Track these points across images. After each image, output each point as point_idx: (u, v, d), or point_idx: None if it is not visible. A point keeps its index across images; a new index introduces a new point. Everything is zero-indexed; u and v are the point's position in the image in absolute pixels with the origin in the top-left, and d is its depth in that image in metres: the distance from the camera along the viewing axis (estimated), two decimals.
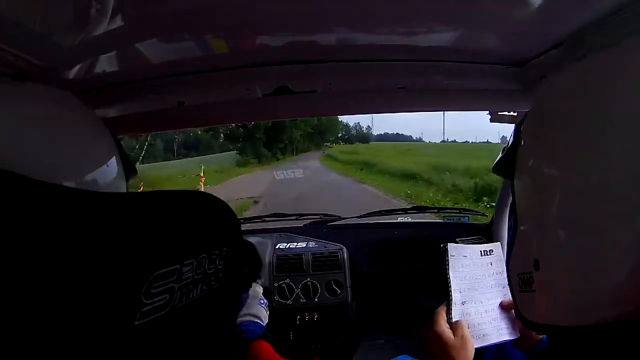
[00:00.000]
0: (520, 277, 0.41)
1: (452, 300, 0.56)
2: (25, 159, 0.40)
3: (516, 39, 0.72)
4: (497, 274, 0.60)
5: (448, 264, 0.58)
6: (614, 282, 0.31)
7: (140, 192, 0.42)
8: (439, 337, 0.54)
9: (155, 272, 0.29)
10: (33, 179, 0.24)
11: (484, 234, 1.29)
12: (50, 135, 0.45)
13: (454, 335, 0.53)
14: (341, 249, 1.22)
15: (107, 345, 0.26)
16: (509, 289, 0.46)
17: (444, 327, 0.55)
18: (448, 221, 1.43)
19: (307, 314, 1.15)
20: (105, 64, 0.72)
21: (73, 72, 0.71)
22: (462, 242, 1.21)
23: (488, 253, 0.61)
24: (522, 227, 0.41)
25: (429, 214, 1.62)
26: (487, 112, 0.96)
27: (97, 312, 0.26)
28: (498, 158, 0.48)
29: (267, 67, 0.79)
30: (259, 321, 0.79)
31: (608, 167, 0.32)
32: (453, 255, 0.59)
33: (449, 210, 1.48)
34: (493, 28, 0.69)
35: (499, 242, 0.63)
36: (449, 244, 0.60)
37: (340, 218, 1.42)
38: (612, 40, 0.61)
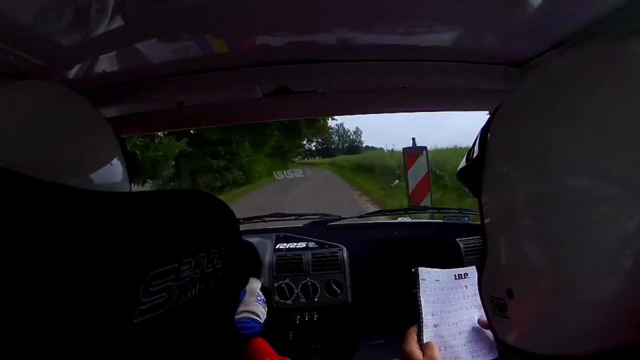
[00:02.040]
0: (493, 301, 0.39)
1: (422, 322, 0.57)
2: (26, 156, 0.41)
3: (516, 39, 0.72)
4: (472, 296, 0.59)
5: (419, 288, 0.59)
6: (594, 316, 0.30)
7: (139, 192, 0.42)
8: (408, 357, 0.55)
9: (153, 271, 0.29)
10: (30, 176, 0.25)
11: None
12: (52, 133, 0.44)
13: (423, 356, 0.54)
14: (341, 249, 1.22)
15: (105, 343, 0.26)
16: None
17: (413, 348, 0.56)
18: (448, 221, 1.43)
19: (307, 314, 1.15)
20: (106, 63, 0.72)
21: (73, 72, 0.71)
22: (465, 247, 1.21)
23: (463, 276, 0.61)
24: (492, 243, 0.38)
25: (428, 214, 1.62)
26: (487, 112, 0.96)
27: (95, 310, 0.26)
28: (462, 164, 0.45)
29: (267, 67, 0.79)
30: (256, 318, 0.79)
31: (595, 191, 0.29)
32: (424, 279, 0.60)
33: (449, 210, 1.48)
34: (493, 28, 0.70)
35: (474, 266, 0.61)
36: (420, 268, 0.60)
37: (340, 218, 1.42)
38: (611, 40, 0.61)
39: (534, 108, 0.34)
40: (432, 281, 0.60)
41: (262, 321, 0.81)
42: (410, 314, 1.23)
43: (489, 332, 0.57)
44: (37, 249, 0.24)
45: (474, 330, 0.58)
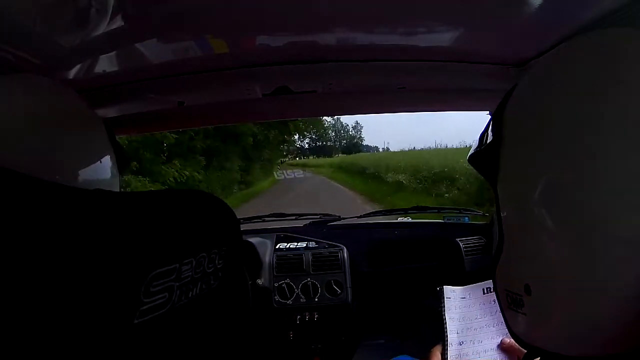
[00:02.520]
0: (508, 295, 0.37)
1: (447, 341, 0.56)
2: (16, 153, 0.40)
3: (516, 39, 0.72)
4: (499, 312, 0.59)
5: (444, 306, 0.58)
6: (619, 315, 0.29)
7: (140, 191, 0.41)
8: None
9: (154, 271, 0.29)
10: (30, 176, 0.25)
11: (484, 233, 1.28)
12: (41, 128, 0.44)
13: None
14: (341, 249, 1.22)
15: (106, 343, 0.26)
16: None
17: None
18: (448, 221, 1.43)
19: (307, 314, 1.15)
20: (106, 64, 0.72)
21: (73, 72, 0.71)
22: (465, 247, 1.20)
23: (492, 290, 0.59)
24: (511, 244, 0.37)
25: (429, 214, 1.62)
26: (487, 112, 0.96)
27: (96, 310, 0.26)
28: (474, 149, 0.42)
29: (267, 67, 0.79)
30: None
31: (621, 185, 0.27)
32: (449, 298, 0.59)
33: (449, 210, 1.48)
34: (493, 28, 0.69)
35: None
36: (444, 287, 0.60)
37: (340, 218, 1.42)
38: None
39: (561, 90, 0.32)
40: (457, 299, 0.59)
41: None
42: (410, 314, 1.23)
43: (511, 354, 0.56)
44: (37, 249, 0.23)
45: (498, 349, 0.57)
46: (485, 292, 0.60)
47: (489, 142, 0.38)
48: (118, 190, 0.54)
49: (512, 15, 0.63)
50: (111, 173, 0.52)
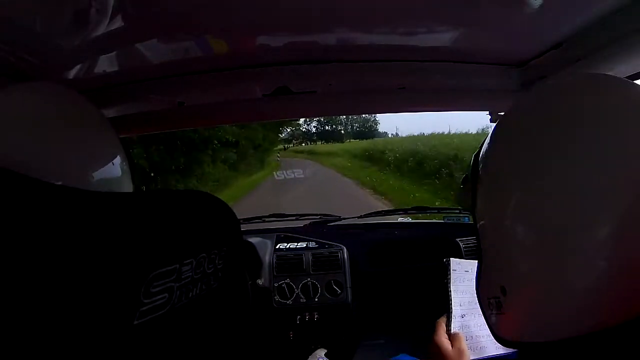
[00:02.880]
0: (489, 301, 0.43)
1: (452, 312, 0.58)
2: (29, 157, 0.40)
3: (516, 40, 0.72)
4: None
5: (449, 278, 0.60)
6: (577, 300, 0.34)
7: (140, 192, 0.41)
8: (437, 347, 0.56)
9: (154, 272, 0.29)
10: (30, 177, 0.24)
11: None
12: (55, 133, 0.44)
13: (451, 346, 0.56)
14: (341, 249, 1.22)
15: (106, 344, 0.26)
16: None
17: (442, 338, 0.57)
18: (448, 221, 1.43)
19: (307, 314, 1.15)
20: (105, 64, 0.72)
21: (73, 72, 0.71)
22: (465, 247, 1.21)
23: None
24: (486, 252, 0.43)
25: (429, 214, 1.62)
26: (487, 112, 0.96)
27: (95, 311, 0.26)
28: (459, 192, 0.51)
29: (267, 67, 0.79)
30: None
31: (573, 186, 0.33)
32: (455, 270, 0.61)
33: (449, 210, 1.48)
34: (493, 28, 0.70)
35: None
36: (451, 259, 0.62)
37: (340, 218, 1.42)
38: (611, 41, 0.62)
39: (523, 127, 0.39)
40: (461, 272, 0.62)
41: None
42: (410, 314, 1.23)
43: None
44: (36, 250, 0.23)
45: None
46: None
47: (470, 172, 0.46)
48: (131, 189, 0.54)
49: (512, 15, 0.63)
50: (123, 172, 0.52)
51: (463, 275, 0.61)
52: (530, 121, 0.39)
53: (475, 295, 0.60)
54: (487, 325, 0.59)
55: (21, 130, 0.42)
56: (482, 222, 0.44)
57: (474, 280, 0.61)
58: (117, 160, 0.52)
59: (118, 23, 0.57)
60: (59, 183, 0.38)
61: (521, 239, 0.37)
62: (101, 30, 0.58)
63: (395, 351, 0.82)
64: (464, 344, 0.56)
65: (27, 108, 0.45)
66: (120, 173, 0.52)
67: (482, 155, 0.44)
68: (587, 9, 0.59)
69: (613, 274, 0.32)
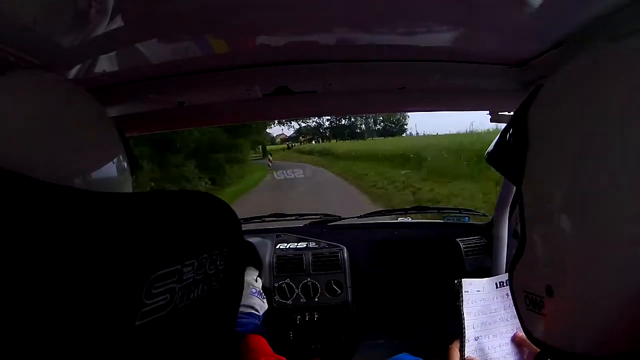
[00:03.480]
0: (527, 296, 0.37)
1: (465, 336, 0.56)
2: (29, 154, 0.39)
3: (516, 39, 0.72)
4: (512, 306, 0.59)
5: (462, 301, 0.58)
6: (632, 316, 0.29)
7: (141, 192, 0.41)
8: None
9: (156, 273, 0.29)
10: (33, 178, 0.24)
11: (484, 234, 1.29)
12: (56, 128, 0.42)
13: None
14: (341, 249, 1.22)
15: (108, 345, 0.26)
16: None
17: None
18: (448, 221, 1.43)
19: (307, 314, 1.15)
20: (105, 64, 0.72)
21: (73, 72, 0.71)
22: (465, 247, 1.20)
23: (504, 284, 0.59)
24: (533, 243, 0.36)
25: (429, 214, 1.62)
26: (487, 112, 0.96)
27: (98, 312, 0.26)
28: (492, 147, 0.42)
29: (267, 67, 0.79)
30: (253, 312, 0.74)
31: None
32: (467, 291, 0.58)
33: (449, 210, 1.48)
34: (493, 28, 0.69)
35: None
36: (463, 280, 0.59)
37: (340, 218, 1.42)
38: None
39: (588, 99, 0.32)
40: (474, 292, 0.59)
41: (260, 314, 0.75)
42: (410, 314, 1.23)
43: (524, 348, 0.57)
44: (38, 251, 0.23)
45: (512, 342, 0.58)
46: (498, 286, 0.60)
47: (513, 144, 0.38)
48: (131, 187, 0.53)
49: (512, 15, 0.63)
50: (124, 170, 0.51)
51: (475, 295, 0.58)
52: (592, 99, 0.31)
53: (488, 316, 0.57)
54: (505, 347, 0.55)
55: (18, 124, 0.41)
56: (532, 200, 0.36)
57: (487, 300, 0.58)
58: (119, 157, 0.51)
59: (118, 23, 0.57)
60: (54, 181, 0.38)
61: (587, 236, 0.30)
62: (101, 30, 0.57)
63: (395, 351, 0.82)
64: None
65: (23, 99, 0.42)
66: (122, 172, 0.51)
67: (539, 112, 0.36)
68: (587, 9, 0.59)
69: None
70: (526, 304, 0.38)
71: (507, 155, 0.39)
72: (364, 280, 1.23)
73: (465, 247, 1.22)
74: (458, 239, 1.24)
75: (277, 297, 1.15)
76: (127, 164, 0.52)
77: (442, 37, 0.73)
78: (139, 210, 0.31)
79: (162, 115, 0.89)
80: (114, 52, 0.69)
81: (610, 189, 0.29)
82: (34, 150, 0.40)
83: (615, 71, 0.32)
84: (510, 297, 0.53)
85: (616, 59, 0.33)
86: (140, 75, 0.79)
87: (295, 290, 1.16)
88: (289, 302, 1.15)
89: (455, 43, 0.73)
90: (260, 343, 0.64)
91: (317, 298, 1.15)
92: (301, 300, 1.15)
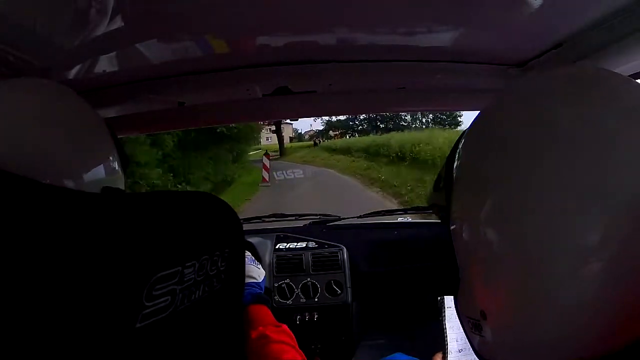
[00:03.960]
0: (469, 320, 0.39)
1: (447, 349, 0.58)
2: (22, 155, 0.40)
3: (516, 40, 0.72)
4: None
5: (444, 316, 0.60)
6: (566, 327, 0.30)
7: (141, 193, 0.41)
8: None
9: (156, 275, 0.29)
10: (34, 180, 0.24)
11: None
12: (47, 130, 0.43)
13: None
14: (341, 249, 1.22)
15: (108, 348, 0.26)
16: None
17: None
18: None
19: (307, 314, 1.15)
20: (105, 64, 0.72)
21: (73, 73, 0.71)
22: None
23: None
24: (464, 273, 0.39)
25: (428, 214, 1.62)
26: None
27: (98, 314, 0.26)
28: (430, 192, 0.46)
29: (267, 67, 0.79)
30: (251, 281, 0.72)
31: (569, 206, 0.29)
32: (449, 307, 0.60)
33: None
34: (493, 29, 0.70)
35: None
36: (445, 296, 0.61)
37: (340, 218, 1.42)
38: (611, 41, 0.62)
39: (501, 131, 0.35)
40: None
41: (259, 281, 0.74)
42: (410, 314, 1.23)
43: None
44: (39, 253, 0.23)
45: None
46: None
47: (444, 180, 0.41)
48: (123, 186, 0.53)
49: (512, 15, 0.63)
50: (116, 173, 0.52)
51: None
52: (515, 120, 0.34)
53: None
54: None
55: (13, 128, 0.41)
56: (456, 230, 0.40)
57: None
58: (110, 159, 0.51)
59: (118, 23, 0.57)
60: (47, 181, 0.38)
61: (502, 256, 0.32)
62: (101, 30, 0.57)
63: (395, 351, 0.82)
64: None
65: (18, 104, 0.44)
66: (114, 172, 0.51)
67: (459, 153, 0.39)
68: (587, 9, 0.59)
69: (607, 298, 0.29)
70: (470, 327, 0.40)
71: (438, 193, 0.43)
72: (364, 280, 1.23)
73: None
74: None
75: (277, 297, 1.15)
76: (119, 165, 0.52)
77: (442, 37, 0.73)
78: (139, 211, 0.31)
79: (162, 116, 0.89)
80: (114, 53, 0.69)
81: (524, 216, 0.31)
82: (33, 153, 0.40)
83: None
84: None
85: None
86: (141, 76, 0.79)
87: (295, 290, 1.16)
88: (289, 302, 1.15)
89: (455, 43, 0.74)
90: (260, 312, 0.63)
91: (317, 298, 1.15)
92: (301, 300, 1.15)
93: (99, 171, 0.48)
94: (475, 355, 0.57)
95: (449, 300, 0.61)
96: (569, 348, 0.31)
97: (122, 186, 0.53)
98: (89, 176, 0.47)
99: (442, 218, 0.43)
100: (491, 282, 0.34)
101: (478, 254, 0.35)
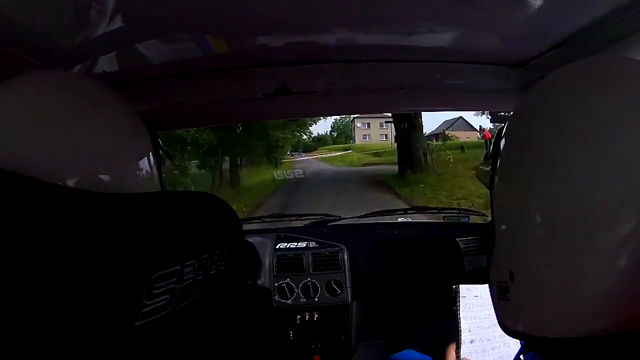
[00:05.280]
0: (498, 285, 0.41)
1: (461, 339, 0.58)
2: (26, 153, 0.38)
3: (516, 40, 0.72)
4: None
5: (459, 306, 0.60)
6: (591, 295, 0.31)
7: (142, 193, 0.40)
8: None
9: (156, 273, 0.29)
10: (32, 178, 0.24)
11: (484, 233, 1.29)
12: (80, 128, 0.39)
13: None
14: (341, 249, 1.22)
15: (107, 346, 0.26)
16: None
17: None
18: (448, 221, 1.43)
19: (307, 314, 1.15)
20: (105, 64, 0.72)
21: (72, 72, 0.71)
22: (465, 247, 1.21)
23: None
24: (499, 234, 0.42)
25: (429, 214, 1.62)
26: (487, 112, 0.96)
27: (97, 313, 0.26)
28: (480, 164, 0.48)
29: (267, 67, 0.79)
30: None
31: (594, 174, 0.31)
32: (464, 297, 0.61)
33: (449, 210, 1.48)
34: (493, 29, 0.70)
35: None
36: (460, 285, 0.61)
37: (340, 218, 1.42)
38: (611, 41, 0.62)
39: (546, 114, 0.37)
40: (471, 297, 0.61)
41: None
42: (410, 313, 1.23)
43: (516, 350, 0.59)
44: (39, 252, 0.23)
45: (505, 347, 0.59)
46: None
47: (490, 154, 0.44)
48: (159, 184, 0.49)
49: (512, 15, 0.63)
50: (152, 168, 0.48)
51: (473, 300, 0.61)
52: (561, 103, 0.36)
53: (484, 320, 0.60)
54: (497, 350, 0.58)
55: (37, 124, 0.39)
56: (497, 202, 0.42)
57: (483, 305, 0.61)
58: (147, 158, 0.46)
59: (118, 23, 0.57)
60: (70, 182, 0.36)
61: (535, 225, 0.35)
62: (101, 30, 0.57)
63: (395, 351, 0.82)
64: None
65: (50, 98, 0.39)
66: (150, 171, 0.47)
67: (505, 132, 0.42)
68: (587, 9, 0.59)
69: (632, 273, 0.30)
70: (497, 293, 0.41)
71: (484, 166, 0.47)
72: (364, 280, 1.23)
73: (465, 247, 1.22)
74: (458, 239, 1.24)
75: (277, 297, 1.15)
76: (154, 162, 0.47)
77: (442, 37, 0.73)
78: (139, 210, 0.31)
79: (162, 115, 0.89)
80: (113, 53, 0.69)
81: (562, 191, 0.33)
82: (32, 150, 0.38)
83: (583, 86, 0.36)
84: None
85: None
86: (140, 75, 0.79)
87: (295, 290, 1.16)
88: (289, 302, 1.15)
89: (455, 43, 0.74)
90: None
91: (317, 298, 1.15)
92: (301, 300, 1.15)
93: (132, 171, 0.45)
94: (485, 347, 0.58)
95: (464, 290, 0.61)
96: (591, 323, 0.32)
97: (156, 182, 0.49)
98: (123, 177, 0.43)
99: (487, 185, 0.46)
100: (523, 243, 0.36)
101: (513, 215, 0.38)
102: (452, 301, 0.61)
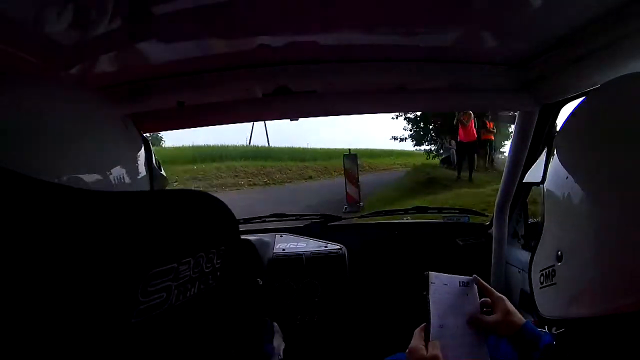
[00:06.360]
0: (542, 274, 0.44)
1: (430, 322, 0.62)
2: (24, 152, 0.38)
3: (516, 39, 0.72)
4: (469, 305, 0.65)
5: (429, 290, 0.63)
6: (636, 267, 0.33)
7: (138, 191, 0.40)
8: (413, 353, 0.59)
9: (152, 271, 0.29)
10: (28, 176, 0.25)
11: (484, 234, 1.28)
12: (67, 130, 0.40)
13: (426, 353, 0.58)
14: (341, 249, 1.22)
15: (103, 343, 0.26)
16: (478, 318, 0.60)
17: (419, 345, 0.60)
18: (448, 221, 1.43)
19: (307, 314, 1.15)
20: (106, 64, 0.72)
21: (73, 72, 0.71)
22: (465, 247, 1.21)
23: (466, 284, 0.66)
24: (547, 224, 0.44)
25: (429, 214, 1.62)
26: (487, 112, 0.96)
27: (93, 310, 0.26)
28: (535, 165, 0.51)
29: (267, 67, 0.79)
30: None
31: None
32: (433, 283, 0.64)
33: (449, 210, 1.48)
34: (493, 28, 0.70)
35: (475, 275, 0.67)
36: (430, 272, 0.65)
37: (340, 218, 1.43)
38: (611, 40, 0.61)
39: (602, 125, 0.40)
40: (440, 284, 0.64)
41: None
42: (412, 312, 1.23)
43: (480, 335, 0.63)
44: (34, 249, 0.24)
45: (471, 332, 0.63)
46: (460, 284, 0.66)
47: (543, 149, 0.50)
48: (149, 185, 0.50)
49: (512, 15, 0.63)
50: (143, 169, 0.48)
51: (442, 287, 0.65)
52: (620, 105, 0.39)
53: (452, 307, 0.64)
54: (463, 335, 0.62)
55: (34, 126, 0.39)
56: (549, 186, 0.45)
57: (450, 293, 0.65)
58: (140, 160, 0.48)
59: (118, 23, 0.57)
60: (63, 179, 0.36)
61: (589, 205, 0.37)
62: (101, 30, 0.58)
63: (395, 350, 0.82)
64: (438, 351, 0.58)
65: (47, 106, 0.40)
66: (144, 173, 0.48)
67: (565, 125, 0.45)
68: (587, 9, 0.59)
69: None
70: (540, 282, 0.44)
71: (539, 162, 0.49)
72: (363, 280, 1.23)
73: (465, 247, 1.22)
74: (458, 239, 1.24)
75: (277, 297, 1.15)
76: (145, 166, 0.49)
77: (442, 37, 0.73)
78: (135, 208, 0.31)
79: (162, 115, 0.89)
80: (113, 52, 0.69)
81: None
82: (30, 150, 0.39)
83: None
84: (469, 296, 0.64)
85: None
86: (140, 75, 0.79)
87: (296, 289, 1.16)
88: (289, 301, 1.15)
89: (455, 43, 0.74)
90: None
91: (317, 298, 1.15)
92: (301, 300, 1.15)
93: (125, 174, 0.45)
94: (454, 333, 0.60)
95: (432, 277, 0.65)
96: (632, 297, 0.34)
97: (146, 182, 0.49)
98: (116, 172, 0.43)
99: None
100: (574, 222, 0.39)
101: (564, 199, 0.41)
102: (424, 286, 0.64)
